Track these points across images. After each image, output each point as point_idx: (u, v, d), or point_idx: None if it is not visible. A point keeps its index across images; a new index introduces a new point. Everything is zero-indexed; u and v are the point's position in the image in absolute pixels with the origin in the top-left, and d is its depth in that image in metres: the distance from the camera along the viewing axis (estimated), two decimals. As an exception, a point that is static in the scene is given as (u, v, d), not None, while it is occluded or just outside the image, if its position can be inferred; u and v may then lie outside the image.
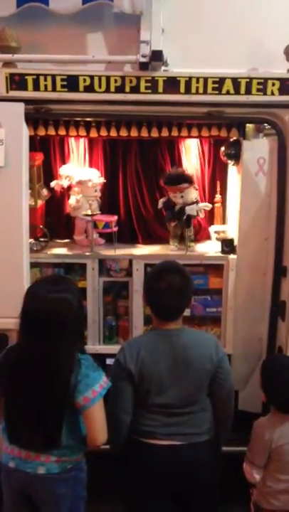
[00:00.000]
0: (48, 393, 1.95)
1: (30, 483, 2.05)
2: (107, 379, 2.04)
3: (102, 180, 3.30)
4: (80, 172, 3.26)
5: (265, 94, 2.70)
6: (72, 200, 3.30)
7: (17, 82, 2.66)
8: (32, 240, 3.07)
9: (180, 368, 2.08)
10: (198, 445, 2.11)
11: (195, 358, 2.09)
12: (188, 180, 3.20)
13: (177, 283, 2.10)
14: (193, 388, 2.10)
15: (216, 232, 3.39)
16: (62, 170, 3.29)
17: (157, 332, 2.16)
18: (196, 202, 3.26)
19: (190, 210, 3.20)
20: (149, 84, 2.67)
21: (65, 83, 2.66)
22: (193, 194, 3.25)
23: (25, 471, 2.03)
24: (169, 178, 3.22)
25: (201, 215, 3.32)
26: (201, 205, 3.28)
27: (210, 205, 3.33)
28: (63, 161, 3.38)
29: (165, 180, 3.23)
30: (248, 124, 2.95)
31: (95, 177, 3.26)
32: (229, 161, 3.20)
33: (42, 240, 3.18)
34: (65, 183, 3.27)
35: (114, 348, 3.11)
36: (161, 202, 3.31)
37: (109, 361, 3.11)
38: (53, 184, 3.31)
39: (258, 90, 2.69)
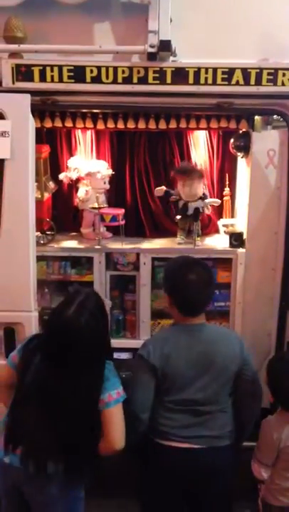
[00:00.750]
0: (75, 401, 1.92)
1: (24, 481, 2.01)
2: (123, 391, 2.00)
3: (110, 172, 3.26)
4: (89, 164, 3.23)
5: (275, 84, 2.65)
6: (81, 193, 3.27)
7: (23, 73, 2.63)
8: (39, 233, 3.05)
9: (204, 363, 2.04)
10: (218, 450, 2.07)
11: (220, 353, 2.06)
12: (198, 172, 3.17)
13: (205, 275, 2.10)
14: (216, 385, 2.06)
15: (224, 225, 3.36)
16: (71, 162, 3.26)
17: (181, 327, 2.12)
18: (203, 197, 3.21)
19: (194, 205, 3.16)
20: (157, 75, 2.64)
21: (71, 74, 2.63)
22: (199, 189, 3.20)
23: (20, 467, 1.98)
24: (180, 167, 3.21)
25: (207, 211, 3.27)
26: (208, 200, 3.23)
27: (218, 201, 3.28)
28: (70, 154, 3.35)
29: (176, 169, 3.21)
30: (256, 117, 2.90)
31: (104, 169, 3.23)
32: (238, 154, 3.16)
33: (49, 233, 3.16)
34: (74, 175, 3.24)
35: (121, 342, 3.13)
36: (159, 191, 3.23)
37: (116, 355, 3.09)
38: (61, 176, 3.28)
39: (269, 81, 2.65)
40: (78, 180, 3.28)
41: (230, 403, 2.13)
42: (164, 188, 3.22)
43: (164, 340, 2.09)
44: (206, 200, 3.23)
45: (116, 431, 1.95)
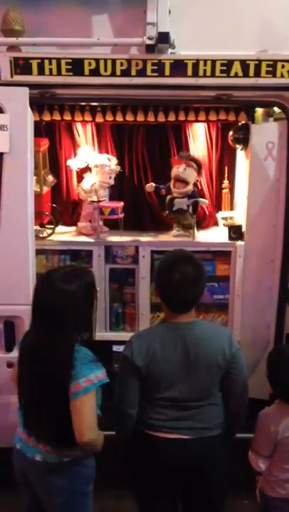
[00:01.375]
0: (49, 383, 1.93)
1: (28, 468, 2.07)
2: (103, 375, 1.96)
3: (118, 168, 3.25)
4: (99, 156, 3.23)
5: (274, 76, 2.64)
6: (86, 184, 3.25)
7: (21, 66, 2.62)
8: (38, 227, 3.05)
9: (191, 362, 2.02)
10: (206, 439, 2.07)
11: (206, 352, 2.03)
12: (196, 161, 3.16)
13: (190, 273, 2.02)
14: (203, 383, 2.05)
15: (223, 218, 3.35)
16: (81, 150, 3.25)
17: (168, 325, 2.09)
18: (192, 195, 3.15)
19: (180, 202, 3.12)
20: (156, 68, 2.63)
21: (70, 67, 2.62)
22: (191, 177, 3.13)
23: (26, 455, 2.05)
24: (183, 153, 3.19)
25: (190, 211, 3.18)
26: (193, 200, 3.14)
27: (206, 202, 3.25)
28: (69, 147, 3.34)
29: (179, 154, 3.19)
30: (257, 108, 2.90)
31: (113, 164, 3.22)
32: (237, 146, 3.15)
33: (48, 226, 3.16)
34: (82, 164, 3.23)
35: (120, 335, 3.14)
36: (149, 187, 3.21)
37: (116, 348, 3.12)
38: (69, 162, 3.26)
39: (267, 73, 2.64)
40: (84, 170, 3.27)
41: (221, 396, 2.12)
42: (153, 184, 3.21)
43: (149, 339, 2.05)
44: (195, 199, 3.14)
45: (82, 423, 1.90)
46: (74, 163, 3.26)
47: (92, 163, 3.20)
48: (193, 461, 2.07)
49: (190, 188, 3.13)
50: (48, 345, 1.93)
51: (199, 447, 2.06)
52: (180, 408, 2.05)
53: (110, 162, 3.21)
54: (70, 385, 1.90)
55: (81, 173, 3.31)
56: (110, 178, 3.23)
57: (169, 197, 3.17)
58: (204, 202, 3.23)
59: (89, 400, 1.91)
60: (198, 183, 3.28)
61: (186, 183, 3.12)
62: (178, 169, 3.12)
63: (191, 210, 3.15)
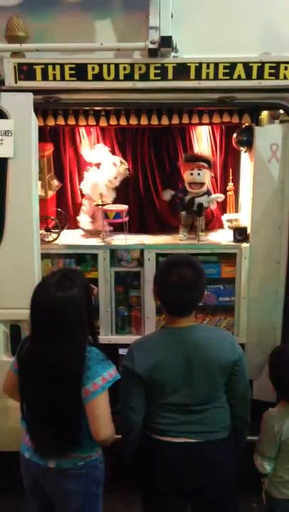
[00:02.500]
0: (60, 389, 1.93)
1: (41, 476, 2.06)
2: (115, 372, 1.99)
3: (126, 172, 3.27)
4: (111, 157, 3.25)
5: (277, 78, 2.64)
6: (92, 179, 3.27)
7: (25, 72, 2.64)
8: (43, 231, 3.07)
9: (193, 368, 2.00)
10: (213, 443, 2.05)
11: (209, 357, 2.01)
12: (207, 161, 3.17)
13: (189, 276, 2.01)
14: (206, 388, 2.03)
15: (228, 220, 3.35)
16: (98, 146, 3.27)
17: (168, 331, 2.08)
18: (208, 193, 3.22)
19: (200, 200, 3.17)
20: (159, 71, 2.63)
21: (73, 72, 2.64)
22: (207, 177, 3.20)
23: (38, 463, 2.04)
24: (189, 155, 3.20)
25: (213, 207, 3.27)
26: (213, 196, 3.24)
27: (223, 196, 3.28)
28: (73, 152, 3.36)
29: (184, 157, 3.21)
30: (263, 111, 2.89)
31: (122, 167, 3.23)
32: (241, 148, 3.15)
33: (53, 230, 3.18)
34: (97, 160, 3.24)
35: (126, 338, 3.14)
36: (167, 195, 3.26)
37: (122, 351, 3.11)
38: (85, 154, 3.27)
39: (270, 75, 2.64)
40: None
41: (226, 399, 2.11)
42: (170, 191, 3.24)
43: (150, 347, 2.05)
44: (212, 196, 3.23)
45: (101, 421, 1.93)
46: (90, 156, 3.26)
47: (105, 160, 3.22)
48: (201, 464, 2.05)
49: (206, 186, 3.19)
50: (58, 353, 1.92)
51: (207, 450, 2.05)
52: (185, 412, 2.04)
53: (121, 164, 3.23)
54: (87, 386, 1.91)
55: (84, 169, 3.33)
56: (116, 178, 3.23)
57: (188, 197, 3.19)
58: (220, 196, 3.25)
59: (105, 397, 1.95)
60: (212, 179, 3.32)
61: (202, 183, 3.16)
62: (192, 175, 3.16)
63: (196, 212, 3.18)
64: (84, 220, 3.33)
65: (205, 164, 3.16)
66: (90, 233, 3.31)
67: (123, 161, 3.27)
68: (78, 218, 3.34)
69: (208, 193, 3.22)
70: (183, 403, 2.03)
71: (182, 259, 2.12)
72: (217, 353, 2.02)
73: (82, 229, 3.32)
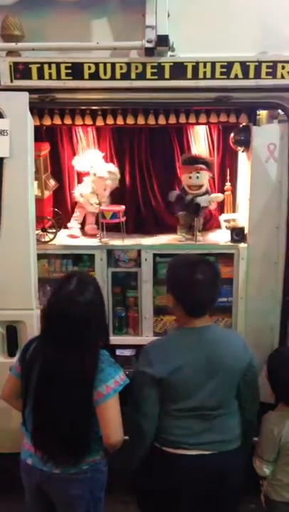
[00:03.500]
0: (73, 392, 1.92)
1: (46, 482, 2.04)
2: (124, 375, 1.97)
3: (116, 184, 3.25)
4: (103, 165, 3.21)
5: (274, 77, 2.63)
6: (84, 189, 3.25)
7: (21, 71, 2.62)
8: (39, 232, 3.05)
9: (211, 367, 1.96)
10: (226, 454, 2.01)
11: (227, 356, 1.99)
12: (205, 162, 3.15)
13: (210, 274, 2.01)
14: (223, 389, 2.00)
15: (226, 220, 3.34)
16: (88, 153, 3.25)
17: (184, 331, 2.03)
18: (208, 193, 3.21)
19: (200, 200, 3.16)
20: (155, 70, 2.62)
21: (69, 71, 2.62)
22: (206, 179, 3.19)
23: (42, 469, 2.01)
24: (187, 157, 3.18)
25: (212, 207, 3.26)
26: (212, 196, 3.22)
27: (222, 196, 3.26)
28: (71, 151, 3.34)
29: (182, 159, 3.19)
30: (261, 111, 2.88)
31: (112, 178, 3.21)
32: (239, 148, 3.14)
33: (49, 231, 3.16)
34: (87, 168, 3.22)
35: (124, 339, 3.13)
36: (174, 195, 3.24)
37: (119, 352, 3.11)
38: (74, 162, 3.26)
39: (268, 74, 2.63)
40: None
41: (237, 404, 2.08)
42: (175, 192, 3.23)
43: (168, 349, 2.00)
44: (212, 196, 3.22)
45: (112, 424, 1.92)
46: (79, 164, 3.25)
47: (94, 171, 3.19)
48: (212, 476, 2.00)
49: (205, 187, 3.18)
50: (76, 357, 1.92)
51: (220, 463, 2.00)
52: (201, 418, 1.98)
53: (110, 176, 3.19)
54: (99, 388, 1.90)
55: (82, 175, 3.31)
56: (105, 190, 3.21)
57: (188, 197, 3.18)
58: (219, 196, 3.24)
59: (116, 400, 1.94)
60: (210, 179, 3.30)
61: (200, 185, 3.16)
62: (190, 179, 3.15)
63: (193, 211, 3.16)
64: (74, 226, 3.32)
65: (203, 166, 3.14)
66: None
67: (113, 170, 3.23)
68: (69, 225, 3.32)
69: (207, 192, 3.21)
70: (200, 406, 1.97)
71: (200, 258, 2.12)
72: (234, 351, 2.02)
73: (71, 235, 3.30)
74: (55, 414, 1.94)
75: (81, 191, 3.27)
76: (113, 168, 3.24)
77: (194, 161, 3.15)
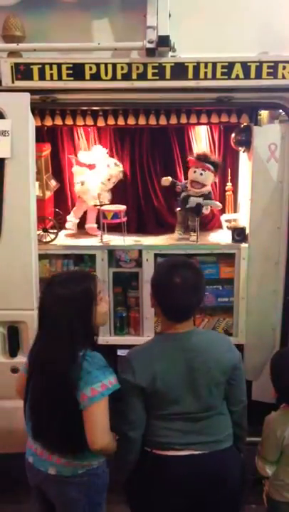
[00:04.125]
0: (53, 391, 1.90)
1: (44, 482, 2.03)
2: (115, 381, 1.92)
3: (120, 175, 3.26)
4: (107, 158, 3.22)
5: (275, 78, 2.63)
6: (86, 179, 3.25)
7: (22, 71, 2.62)
8: (41, 232, 3.06)
9: (195, 374, 1.91)
10: (218, 453, 1.97)
11: (210, 362, 1.93)
12: (213, 163, 3.15)
13: (190, 278, 1.92)
14: (209, 393, 1.95)
15: (227, 220, 3.35)
16: (95, 148, 3.25)
17: (167, 337, 1.97)
18: (207, 196, 3.19)
19: (195, 200, 3.15)
20: (157, 71, 2.62)
21: (70, 72, 2.63)
22: (209, 180, 3.18)
23: (39, 468, 2.01)
24: (201, 154, 3.18)
25: (206, 212, 3.23)
26: (209, 201, 3.19)
27: (220, 205, 3.25)
28: (72, 151, 3.35)
29: (196, 155, 3.19)
30: (262, 111, 2.89)
31: (116, 169, 3.22)
32: (240, 148, 3.15)
33: (51, 231, 3.17)
34: (91, 161, 3.23)
35: (125, 339, 3.13)
36: (166, 180, 3.21)
37: (120, 352, 3.11)
38: (80, 155, 3.26)
39: (269, 74, 2.63)
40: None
41: (226, 406, 2.04)
42: (170, 178, 3.21)
43: (150, 356, 1.94)
44: (207, 201, 3.18)
45: (96, 429, 1.86)
46: (85, 157, 3.25)
47: (98, 163, 3.20)
48: (206, 477, 1.95)
49: (207, 189, 3.17)
50: (50, 353, 1.91)
51: (212, 462, 1.96)
52: (189, 420, 1.95)
53: (115, 167, 3.20)
54: (84, 390, 1.85)
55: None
56: (109, 180, 3.21)
57: (184, 194, 3.18)
58: (217, 205, 3.23)
59: (103, 405, 1.87)
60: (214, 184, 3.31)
61: (203, 184, 3.15)
62: (195, 173, 3.15)
63: (195, 212, 3.16)
64: (71, 221, 3.32)
65: (210, 166, 3.14)
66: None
67: (118, 163, 3.25)
68: (67, 217, 3.33)
69: (207, 196, 3.19)
70: (186, 412, 1.94)
71: (182, 262, 2.04)
72: (218, 355, 1.96)
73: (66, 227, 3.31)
74: (45, 409, 1.93)
75: (82, 180, 3.24)
76: (117, 161, 3.27)
77: (205, 159, 3.16)
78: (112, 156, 3.33)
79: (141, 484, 2.00)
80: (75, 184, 3.29)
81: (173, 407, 1.93)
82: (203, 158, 3.15)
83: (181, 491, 1.95)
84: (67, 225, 3.32)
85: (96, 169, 3.23)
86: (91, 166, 3.24)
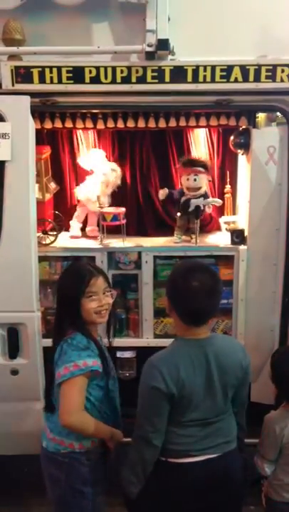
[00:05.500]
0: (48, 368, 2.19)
1: (41, 455, 2.22)
2: (94, 364, 2.03)
3: (118, 182, 3.26)
4: (104, 164, 3.23)
5: (274, 81, 2.65)
6: (88, 185, 3.26)
7: (22, 74, 2.64)
8: (40, 234, 3.07)
9: (214, 379, 1.92)
10: (229, 454, 1.99)
11: (229, 367, 1.94)
12: (204, 165, 3.16)
13: (208, 282, 1.89)
14: (225, 397, 1.96)
15: (226, 222, 3.35)
16: (93, 152, 3.26)
17: (189, 342, 1.94)
18: (205, 196, 3.22)
19: (196, 202, 3.16)
20: (156, 74, 2.64)
21: (70, 75, 2.64)
22: (204, 182, 3.20)
23: (42, 443, 2.19)
24: (186, 160, 3.19)
25: (208, 210, 3.27)
26: (209, 199, 3.23)
27: (220, 201, 3.27)
28: (72, 154, 3.36)
29: (182, 162, 3.20)
30: (260, 114, 2.90)
31: (113, 175, 3.22)
32: (239, 151, 3.16)
33: (50, 233, 3.18)
34: (90, 167, 3.24)
35: (124, 341, 3.14)
36: (162, 193, 3.23)
37: (119, 354, 3.13)
38: (80, 160, 3.28)
39: (267, 77, 2.65)
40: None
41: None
42: (166, 189, 3.22)
43: (175, 362, 1.90)
44: (208, 199, 3.22)
45: (64, 406, 2.00)
46: (84, 163, 3.27)
47: (96, 168, 3.21)
48: (218, 479, 1.96)
49: (203, 189, 3.18)
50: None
51: (224, 463, 1.97)
52: (205, 425, 1.95)
53: (112, 173, 3.21)
54: (59, 369, 2.01)
55: (84, 174, 3.33)
56: (107, 187, 3.22)
57: (184, 198, 3.19)
58: (218, 202, 3.25)
59: (73, 384, 1.99)
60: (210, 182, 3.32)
61: (199, 188, 3.17)
62: (188, 181, 3.16)
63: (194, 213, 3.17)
64: (75, 226, 3.33)
65: (201, 169, 3.15)
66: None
67: (115, 168, 3.25)
68: (71, 223, 3.34)
69: (205, 195, 3.22)
70: (203, 418, 1.93)
71: (200, 266, 2.00)
72: (236, 361, 1.97)
73: (72, 236, 3.31)
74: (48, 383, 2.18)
75: (84, 189, 3.26)
76: (115, 166, 3.26)
77: (193, 164, 3.17)
78: (111, 159, 3.33)
79: (154, 496, 1.97)
80: (79, 190, 3.30)
81: (193, 413, 1.92)
82: (191, 164, 3.16)
83: (196, 496, 1.94)
84: (72, 232, 3.32)
85: (94, 174, 3.23)
86: (90, 172, 3.25)
